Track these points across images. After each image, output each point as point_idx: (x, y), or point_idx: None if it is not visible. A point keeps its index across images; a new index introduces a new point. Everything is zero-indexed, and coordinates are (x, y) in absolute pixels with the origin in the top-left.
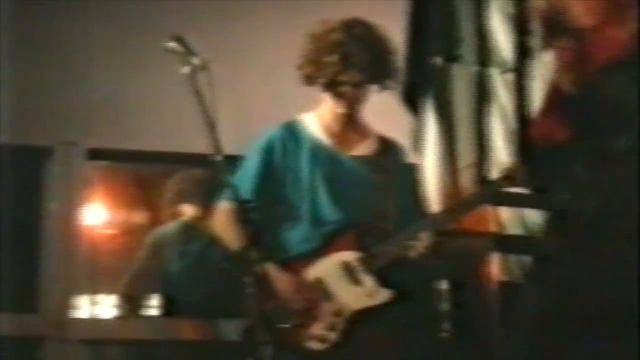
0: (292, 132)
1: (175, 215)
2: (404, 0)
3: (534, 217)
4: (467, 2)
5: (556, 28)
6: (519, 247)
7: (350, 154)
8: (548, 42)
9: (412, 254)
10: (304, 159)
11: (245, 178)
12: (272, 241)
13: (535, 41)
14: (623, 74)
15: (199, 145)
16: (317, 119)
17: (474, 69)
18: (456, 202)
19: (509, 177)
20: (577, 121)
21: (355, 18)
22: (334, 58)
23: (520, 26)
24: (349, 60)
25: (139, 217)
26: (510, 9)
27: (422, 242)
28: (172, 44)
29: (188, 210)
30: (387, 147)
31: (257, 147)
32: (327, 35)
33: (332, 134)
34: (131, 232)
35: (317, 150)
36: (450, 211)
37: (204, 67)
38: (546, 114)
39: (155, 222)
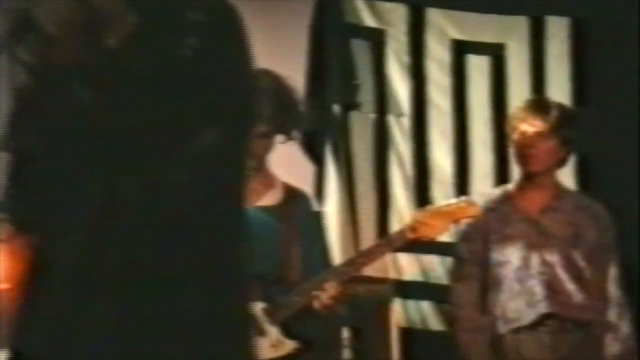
0: None
1: None
2: (304, 48)
3: (434, 263)
4: (364, 50)
5: None
6: (418, 293)
7: (255, 204)
8: None
9: (317, 304)
10: None
11: None
12: None
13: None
14: None
15: None
16: None
17: (372, 116)
18: (359, 253)
19: (413, 229)
20: None
21: (261, 69)
22: None
23: (416, 74)
24: None
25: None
26: (406, 57)
27: (326, 292)
28: None
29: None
30: (293, 196)
31: None
32: None
33: None
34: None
35: None
36: (353, 262)
37: None
38: None
39: None
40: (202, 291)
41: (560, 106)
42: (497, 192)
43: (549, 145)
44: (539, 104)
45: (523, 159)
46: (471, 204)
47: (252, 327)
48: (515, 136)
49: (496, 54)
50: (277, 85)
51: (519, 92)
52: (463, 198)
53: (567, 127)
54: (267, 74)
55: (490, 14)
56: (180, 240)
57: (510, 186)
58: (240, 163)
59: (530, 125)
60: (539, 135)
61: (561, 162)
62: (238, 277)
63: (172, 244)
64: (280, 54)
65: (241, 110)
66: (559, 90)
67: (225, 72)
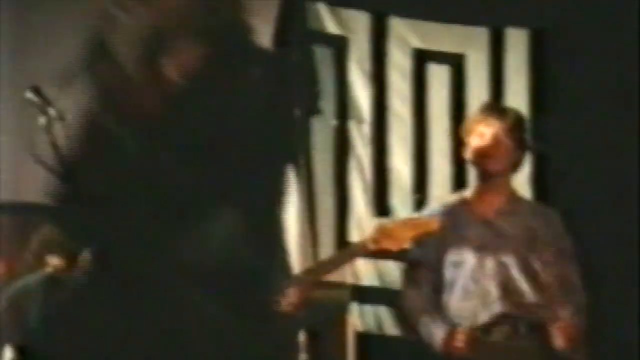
0: None
1: (38, 267)
2: None
3: (390, 268)
4: (326, 57)
5: None
6: (376, 298)
7: None
8: None
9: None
10: None
11: None
12: None
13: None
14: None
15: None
16: None
17: (333, 122)
18: (319, 263)
19: (374, 240)
20: None
21: None
22: None
23: (377, 81)
24: None
25: None
26: (368, 65)
27: (286, 298)
28: (30, 95)
29: (53, 261)
30: None
31: None
32: None
33: None
34: None
35: None
36: (313, 271)
37: (60, 117)
38: None
39: (11, 273)
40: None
41: (515, 111)
42: (453, 197)
43: (505, 146)
44: (495, 107)
45: (480, 160)
46: (432, 219)
47: None
48: (472, 138)
49: (456, 63)
50: None
51: (478, 101)
52: (425, 212)
53: (522, 131)
54: None
55: (451, 24)
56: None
57: (466, 192)
58: (282, 199)
59: (487, 126)
60: (496, 135)
61: (516, 166)
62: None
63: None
64: None
65: (290, 144)
66: (517, 99)
67: (274, 129)
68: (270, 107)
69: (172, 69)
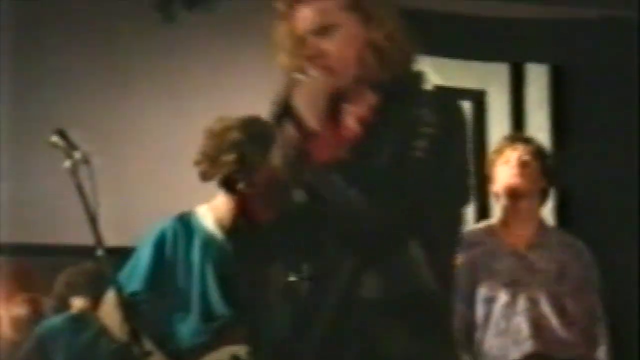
0: (185, 224)
1: (62, 309)
2: None
3: None
4: None
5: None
6: None
7: None
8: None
9: None
10: (195, 252)
11: (136, 270)
12: (162, 333)
13: None
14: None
15: (85, 237)
16: (211, 211)
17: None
18: None
19: None
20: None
21: (252, 116)
22: (231, 157)
23: None
24: (246, 159)
25: (20, 310)
26: None
27: None
28: (55, 138)
29: (77, 303)
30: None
31: (149, 239)
32: (225, 134)
33: (225, 228)
34: (13, 326)
35: (209, 244)
36: None
37: (85, 160)
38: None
39: (38, 315)
40: None
41: (538, 141)
42: (480, 226)
43: (532, 169)
44: (519, 136)
45: (508, 186)
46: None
47: None
48: (498, 166)
49: (477, 100)
50: (268, 134)
51: (499, 136)
52: None
53: (547, 158)
54: (259, 121)
55: (471, 61)
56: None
57: (493, 220)
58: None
59: (513, 150)
60: (522, 158)
61: (543, 194)
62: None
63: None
64: (268, 100)
65: (462, 200)
66: (539, 134)
67: (450, 167)
68: (442, 149)
69: (350, 118)
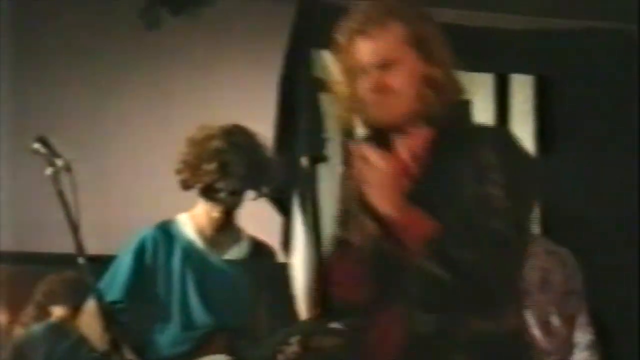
0: (165, 233)
1: (42, 317)
2: (273, 101)
3: None
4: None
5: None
6: None
7: (222, 257)
8: None
9: (282, 358)
10: (175, 260)
11: (117, 278)
12: (142, 342)
13: None
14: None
15: (66, 245)
16: (192, 220)
17: (340, 168)
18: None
19: None
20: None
21: (234, 125)
22: (212, 166)
23: None
24: (227, 168)
25: None
26: None
27: (292, 346)
28: (36, 145)
29: (57, 312)
30: (259, 250)
31: (129, 247)
32: (206, 142)
33: (206, 237)
34: None
35: (190, 252)
36: (320, 317)
37: (67, 168)
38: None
39: (16, 323)
40: None
41: None
42: None
43: None
44: None
45: None
46: None
47: None
48: None
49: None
50: (250, 143)
51: None
52: None
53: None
54: (240, 130)
55: (456, 71)
56: None
57: None
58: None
59: None
60: None
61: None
62: None
63: None
64: (249, 108)
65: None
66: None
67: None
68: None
69: (405, 151)
